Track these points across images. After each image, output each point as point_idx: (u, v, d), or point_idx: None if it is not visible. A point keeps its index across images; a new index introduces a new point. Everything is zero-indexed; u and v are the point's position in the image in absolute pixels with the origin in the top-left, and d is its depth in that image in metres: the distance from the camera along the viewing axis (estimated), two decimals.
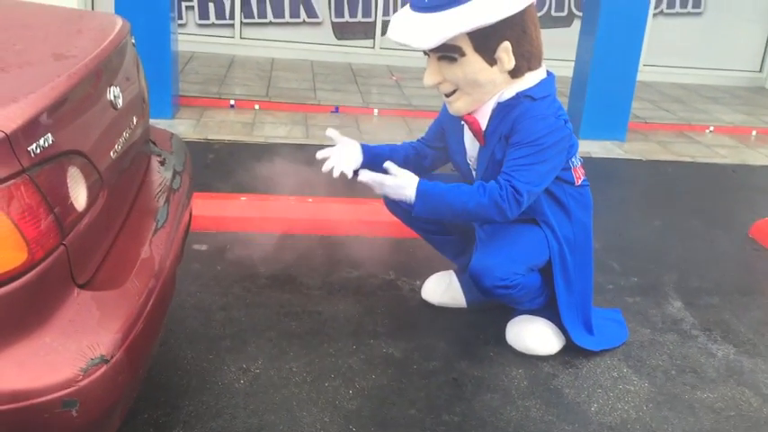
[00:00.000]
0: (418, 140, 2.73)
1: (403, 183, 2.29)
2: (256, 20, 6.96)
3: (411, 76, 6.61)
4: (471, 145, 2.49)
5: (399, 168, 2.32)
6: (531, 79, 2.35)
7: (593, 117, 5.17)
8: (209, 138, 4.59)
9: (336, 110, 5.43)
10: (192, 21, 6.88)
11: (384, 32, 7.08)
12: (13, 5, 2.23)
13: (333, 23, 7.07)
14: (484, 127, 2.39)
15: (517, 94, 2.34)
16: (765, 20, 7.53)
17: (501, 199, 2.23)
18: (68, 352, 1.33)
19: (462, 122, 2.47)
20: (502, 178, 2.27)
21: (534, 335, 2.53)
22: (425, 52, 2.34)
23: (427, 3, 2.23)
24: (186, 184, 2.21)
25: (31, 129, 1.35)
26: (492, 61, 2.28)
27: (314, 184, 3.70)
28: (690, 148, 5.33)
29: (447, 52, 2.26)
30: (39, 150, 1.36)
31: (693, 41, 7.50)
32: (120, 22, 2.10)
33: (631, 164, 4.89)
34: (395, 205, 2.73)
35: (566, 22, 7.23)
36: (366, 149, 2.56)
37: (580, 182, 2.50)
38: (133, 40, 2.19)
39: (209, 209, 3.24)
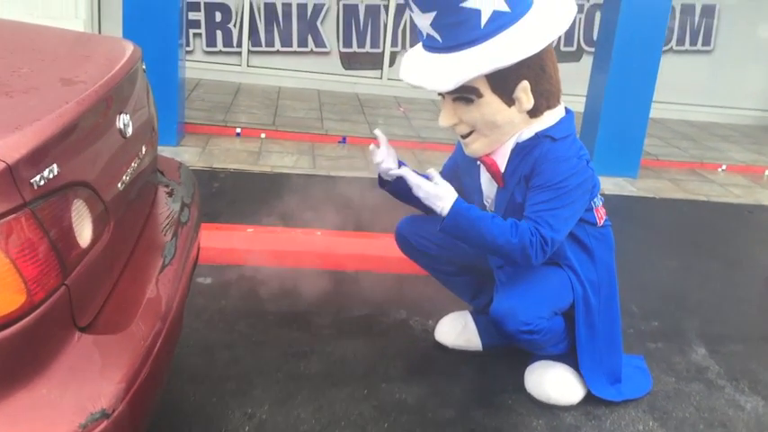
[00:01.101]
0: None
1: (441, 193, 2.15)
2: (264, 48, 6.91)
3: (419, 107, 6.56)
4: (488, 186, 2.39)
5: (441, 179, 2.20)
6: (550, 118, 2.26)
7: (604, 153, 5.08)
8: (215, 166, 4.50)
9: (344, 140, 5.35)
10: (200, 48, 6.83)
11: (392, 63, 7.03)
12: (19, 27, 2.14)
13: (341, 53, 7.02)
14: (503, 168, 2.29)
15: (536, 133, 2.24)
16: None
17: (530, 245, 2.11)
18: (67, 405, 1.21)
19: (478, 162, 2.37)
20: (533, 225, 2.15)
21: (555, 383, 2.40)
22: (440, 93, 2.24)
23: (442, 43, 2.14)
24: (194, 216, 2.10)
25: (36, 159, 1.24)
26: (510, 101, 2.19)
27: (322, 217, 3.61)
28: (703, 186, 5.24)
29: (464, 93, 2.17)
30: (42, 182, 1.25)
31: (703, 79, 7.45)
32: (131, 47, 2.01)
33: (644, 202, 4.79)
34: (407, 246, 2.62)
35: (575, 57, 7.21)
36: (400, 162, 2.47)
37: (602, 222, 2.40)
38: (144, 66, 2.10)
39: (215, 240, 3.12)
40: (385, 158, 2.36)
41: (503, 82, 2.15)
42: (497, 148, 2.28)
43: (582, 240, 2.34)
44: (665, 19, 5.01)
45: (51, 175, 1.28)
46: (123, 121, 1.70)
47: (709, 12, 7.29)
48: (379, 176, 2.46)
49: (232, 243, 3.21)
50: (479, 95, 2.16)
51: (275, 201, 3.76)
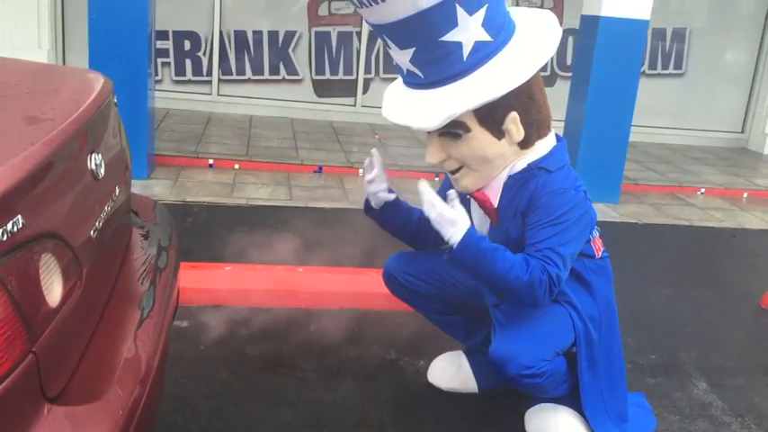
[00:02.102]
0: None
1: (455, 218, 1.99)
2: (234, 77, 6.78)
3: (394, 134, 6.45)
4: (480, 222, 2.26)
5: (459, 204, 2.03)
6: (541, 148, 2.15)
7: (585, 179, 4.85)
8: (188, 200, 4.33)
9: (320, 170, 5.22)
10: (168, 77, 6.67)
11: (366, 90, 6.95)
12: None
13: (313, 81, 6.91)
14: (496, 203, 2.17)
15: (529, 165, 2.13)
16: (746, 81, 7.55)
17: (539, 285, 1.98)
18: None
19: (468, 197, 2.25)
20: (542, 264, 2.03)
21: (559, 426, 2.27)
22: None
23: (423, 79, 2.03)
24: (173, 261, 1.94)
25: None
26: (500, 134, 2.07)
27: (303, 252, 3.47)
28: (684, 210, 5.19)
29: (451, 129, 2.04)
30: (5, 237, 1.10)
31: (675, 102, 7.49)
32: (101, 79, 1.87)
33: (627, 227, 4.72)
34: (396, 285, 2.48)
35: (549, 81, 7.18)
36: (391, 190, 2.33)
37: (600, 254, 2.29)
38: (115, 100, 1.95)
39: (191, 280, 2.95)
40: (377, 178, 2.24)
41: (491, 114, 2.04)
42: (489, 183, 2.17)
43: (580, 274, 2.23)
44: (641, 43, 4.99)
45: (15, 229, 1.12)
46: (95, 161, 1.55)
47: (679, 36, 7.34)
48: (366, 201, 2.33)
49: (209, 282, 3.04)
50: (467, 130, 2.05)
51: (253, 235, 3.61)
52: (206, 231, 3.83)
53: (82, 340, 1.39)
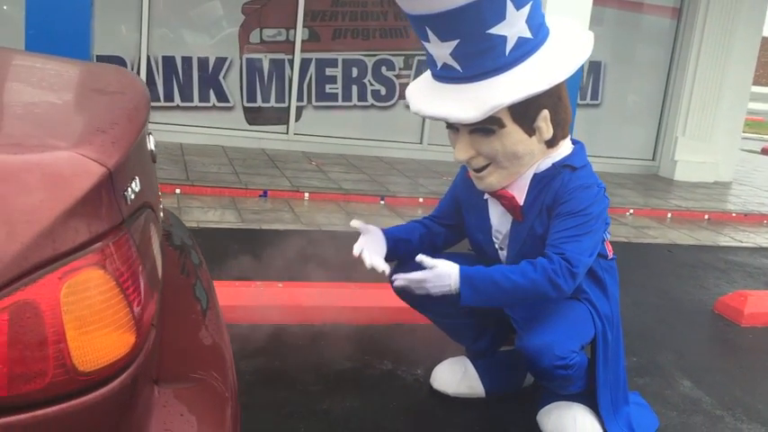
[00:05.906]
0: (428, 217, 2.50)
1: (442, 272, 2.05)
2: (162, 103, 6.57)
3: (330, 161, 6.43)
4: (500, 221, 2.28)
5: (433, 259, 2.07)
6: (564, 148, 2.22)
7: None
8: None
9: (265, 194, 5.11)
10: None
11: (298, 118, 6.90)
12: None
13: (245, 108, 6.80)
14: (521, 202, 2.20)
15: (554, 164, 2.18)
16: (655, 112, 8.02)
17: (555, 274, 2.01)
18: None
19: (485, 197, 2.27)
20: (551, 252, 2.06)
21: (577, 422, 2.27)
22: (452, 125, 2.13)
23: (462, 73, 2.03)
24: (202, 258, 1.84)
25: (125, 167, 1.00)
26: (531, 131, 2.11)
27: (274, 269, 3.37)
28: (620, 228, 5.41)
29: (486, 124, 2.05)
30: (133, 196, 1.01)
31: (593, 131, 7.84)
32: (128, 71, 1.78)
33: None
34: (406, 290, 2.45)
35: None
36: (387, 234, 2.31)
37: (611, 255, 2.36)
38: None
39: None
40: (364, 248, 2.19)
41: (524, 111, 2.07)
42: (513, 181, 2.19)
43: (596, 273, 2.28)
44: (579, 72, 5.19)
45: (138, 189, 1.04)
46: (152, 142, 1.46)
47: (596, 68, 7.73)
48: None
49: None
50: (501, 126, 2.06)
51: (217, 255, 3.47)
52: None
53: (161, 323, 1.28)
